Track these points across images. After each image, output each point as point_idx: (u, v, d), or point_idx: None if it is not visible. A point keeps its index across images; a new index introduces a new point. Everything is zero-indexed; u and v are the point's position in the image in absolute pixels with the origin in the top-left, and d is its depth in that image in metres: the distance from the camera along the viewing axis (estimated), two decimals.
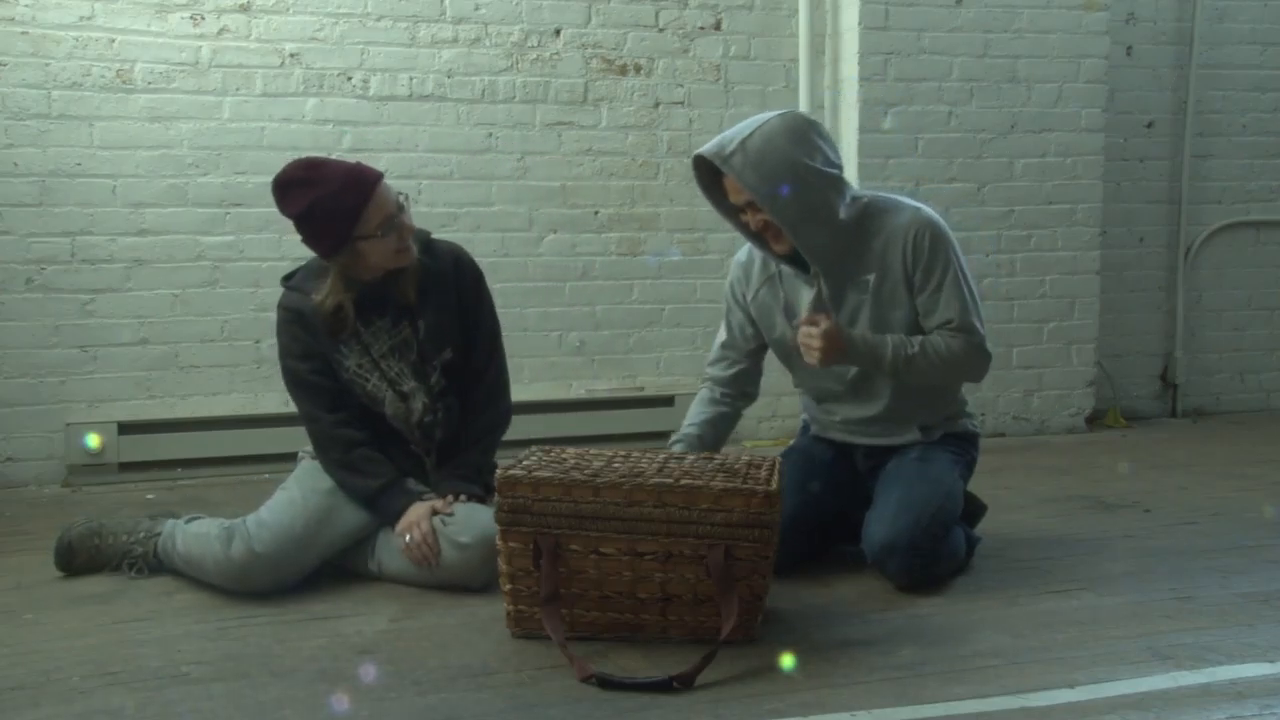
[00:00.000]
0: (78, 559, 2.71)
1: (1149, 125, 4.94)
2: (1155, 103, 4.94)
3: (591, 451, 2.43)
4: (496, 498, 2.21)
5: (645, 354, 4.46)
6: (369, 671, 2.09)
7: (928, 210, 2.62)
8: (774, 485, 2.17)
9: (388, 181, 2.62)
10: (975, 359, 2.59)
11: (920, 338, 2.56)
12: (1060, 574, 2.67)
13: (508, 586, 2.23)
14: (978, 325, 2.58)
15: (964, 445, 2.76)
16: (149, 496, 3.66)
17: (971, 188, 4.53)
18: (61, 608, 2.49)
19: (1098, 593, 2.52)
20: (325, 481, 2.66)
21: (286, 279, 2.76)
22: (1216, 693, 1.96)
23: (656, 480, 2.16)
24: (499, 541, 2.22)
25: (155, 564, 2.70)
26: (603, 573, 2.19)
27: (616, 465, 2.29)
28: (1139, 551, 2.87)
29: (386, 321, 2.68)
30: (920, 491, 2.54)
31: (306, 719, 1.89)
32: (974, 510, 2.82)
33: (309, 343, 2.67)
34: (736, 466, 2.31)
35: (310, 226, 2.58)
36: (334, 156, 2.72)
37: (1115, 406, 4.89)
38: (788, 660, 2.10)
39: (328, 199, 2.53)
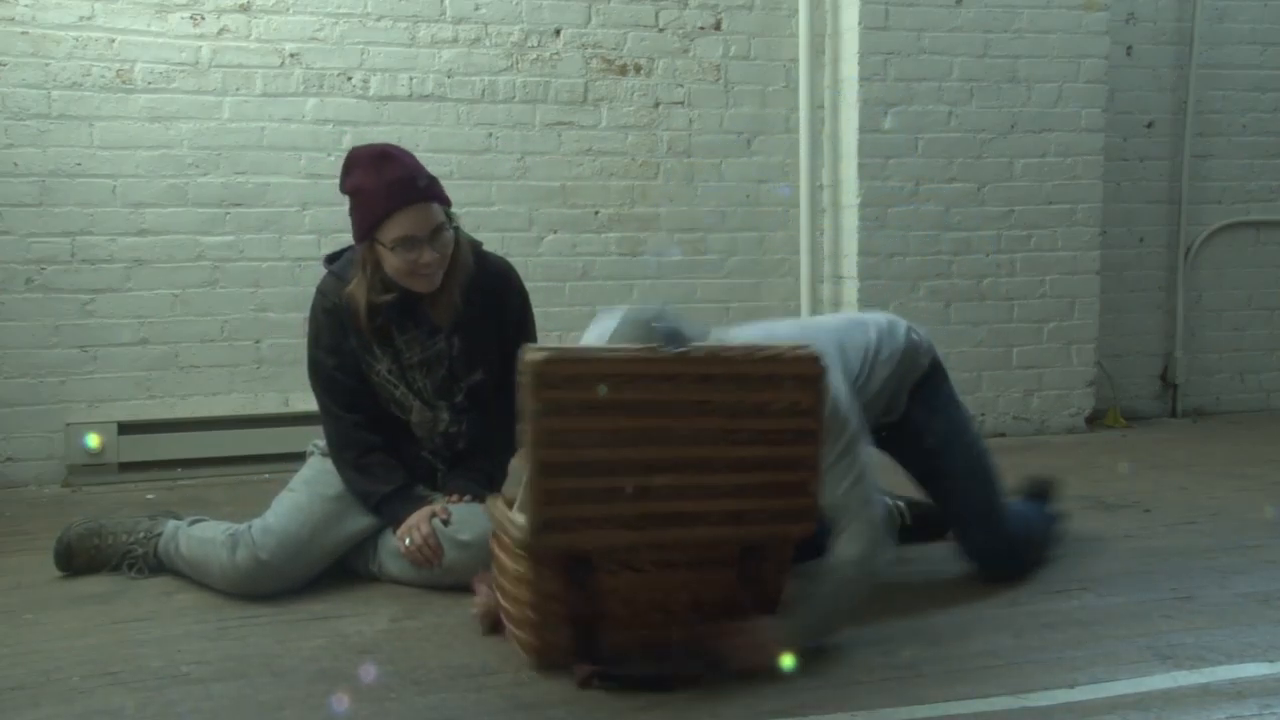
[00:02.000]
0: (77, 559, 2.71)
1: (1149, 125, 4.94)
2: (1155, 103, 4.94)
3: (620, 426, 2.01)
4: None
5: None
6: (369, 671, 2.08)
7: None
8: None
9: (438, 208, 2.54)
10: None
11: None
12: (1060, 574, 2.66)
13: (534, 616, 2.04)
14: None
15: (934, 382, 2.59)
16: (149, 496, 3.66)
17: (971, 188, 4.53)
18: (61, 608, 2.48)
19: (1098, 593, 2.52)
20: (332, 487, 2.64)
21: (330, 259, 2.70)
22: (1216, 693, 1.96)
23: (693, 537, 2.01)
24: (526, 568, 2.04)
25: (155, 564, 2.69)
26: (634, 589, 2.05)
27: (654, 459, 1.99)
28: (1139, 551, 2.87)
29: (422, 333, 2.64)
30: (974, 494, 2.56)
31: (306, 719, 1.90)
32: (1045, 489, 2.89)
33: (340, 337, 2.63)
34: (779, 451, 2.07)
35: (351, 208, 2.58)
36: (408, 149, 2.69)
37: (1115, 406, 4.89)
38: (788, 660, 2.09)
39: (367, 193, 2.51)
